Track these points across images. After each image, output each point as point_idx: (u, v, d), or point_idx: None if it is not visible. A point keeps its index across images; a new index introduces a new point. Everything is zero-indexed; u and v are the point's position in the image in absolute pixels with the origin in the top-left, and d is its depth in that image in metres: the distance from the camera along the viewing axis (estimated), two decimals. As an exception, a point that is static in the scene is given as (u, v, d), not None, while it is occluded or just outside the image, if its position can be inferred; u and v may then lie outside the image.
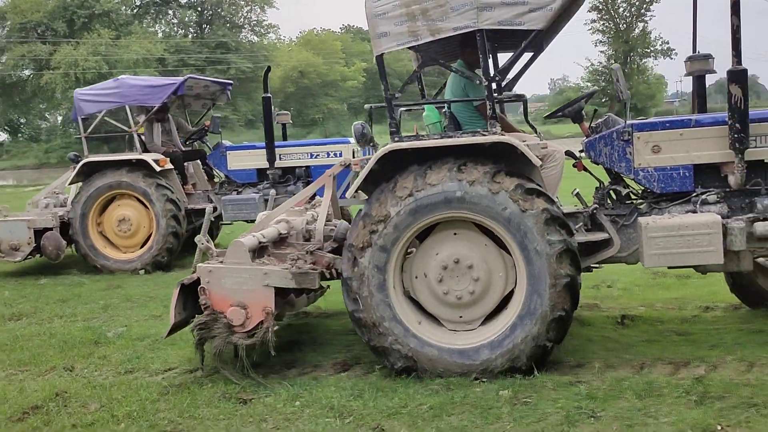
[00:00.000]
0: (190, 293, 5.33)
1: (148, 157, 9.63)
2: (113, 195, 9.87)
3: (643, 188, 5.55)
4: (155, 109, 9.96)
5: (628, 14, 56.61)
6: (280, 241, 5.83)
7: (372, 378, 5.05)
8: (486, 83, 5.10)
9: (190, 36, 63.59)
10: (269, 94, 10.00)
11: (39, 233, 9.62)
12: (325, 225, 5.89)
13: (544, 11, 4.90)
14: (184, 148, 10.91)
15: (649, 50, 55.94)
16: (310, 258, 5.47)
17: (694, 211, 5.30)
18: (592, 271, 6.21)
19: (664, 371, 4.96)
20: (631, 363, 5.16)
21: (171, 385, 5.16)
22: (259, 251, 5.47)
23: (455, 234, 5.12)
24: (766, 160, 5.30)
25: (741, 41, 5.00)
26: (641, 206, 5.53)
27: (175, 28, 64.70)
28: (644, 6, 55.79)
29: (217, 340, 5.14)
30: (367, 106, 5.54)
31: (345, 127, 63.94)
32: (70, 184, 10.14)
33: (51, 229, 9.60)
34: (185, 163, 10.57)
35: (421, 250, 5.19)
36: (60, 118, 61.91)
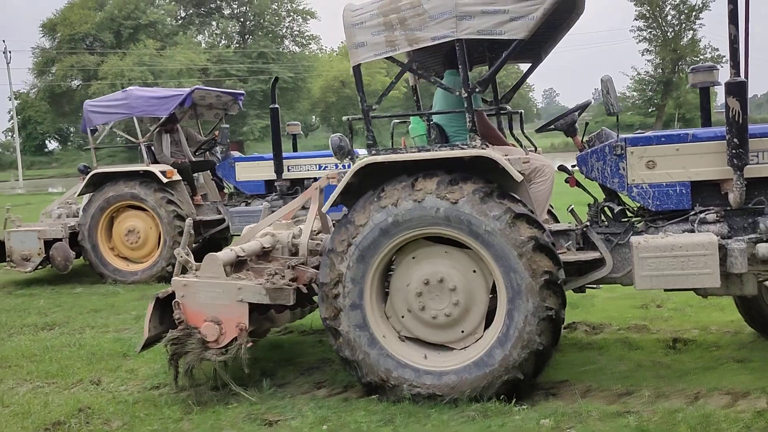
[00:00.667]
0: (167, 307, 5.29)
1: (156, 169, 9.70)
2: (121, 206, 9.97)
3: (638, 206, 5.34)
4: (163, 120, 10.04)
5: (676, 22, 55.48)
6: (264, 255, 5.76)
7: (404, 403, 4.84)
8: (465, 95, 4.96)
9: (232, 46, 64.52)
10: (276, 105, 10.00)
11: (49, 243, 9.75)
12: (311, 239, 5.81)
13: (526, 20, 4.74)
14: (194, 159, 10.95)
15: (698, 59, 54.73)
16: (290, 273, 5.39)
17: (692, 231, 5.06)
18: (584, 292, 6.01)
19: (722, 402, 4.67)
20: (684, 392, 4.88)
21: (196, 402, 5.08)
22: (237, 265, 5.41)
23: (446, 252, 5.01)
24: None
25: (739, 51, 4.77)
26: (637, 225, 5.31)
27: (218, 39, 65.73)
28: (694, 14, 54.62)
29: (189, 355, 5.09)
30: (345, 118, 5.44)
31: (386, 137, 63.96)
32: (79, 195, 10.29)
33: (60, 239, 9.73)
34: (195, 174, 10.61)
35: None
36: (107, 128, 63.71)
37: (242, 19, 65.17)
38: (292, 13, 62.79)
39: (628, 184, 5.18)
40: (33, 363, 6.30)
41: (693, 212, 5.11)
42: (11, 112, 55.13)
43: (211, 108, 11.39)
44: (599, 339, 6.26)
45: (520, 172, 4.84)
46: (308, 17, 62.62)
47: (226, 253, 5.34)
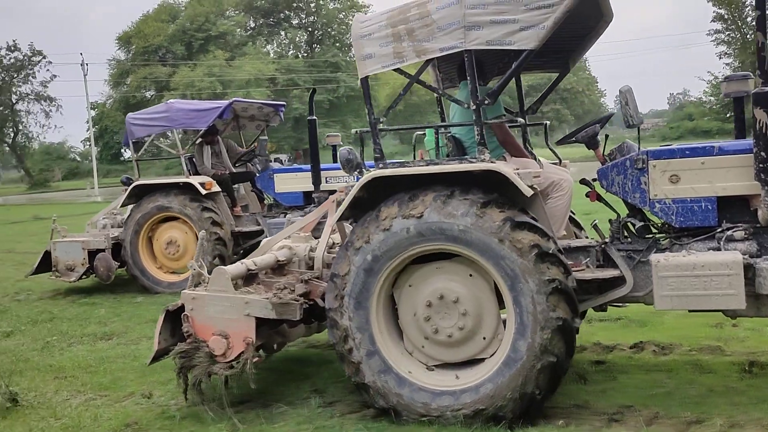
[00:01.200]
0: (178, 319, 5.35)
1: (194, 180, 9.89)
2: (162, 217, 10.20)
3: (662, 222, 5.12)
4: (202, 132, 10.23)
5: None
6: (279, 268, 5.77)
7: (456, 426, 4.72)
8: (474, 107, 4.86)
9: (300, 56, 65.51)
10: (314, 117, 10.05)
11: (93, 254, 10.04)
12: (327, 252, 5.79)
13: (536, 30, 4.61)
14: (234, 170, 11.12)
15: (780, 62, 52.48)
16: (302, 287, 5.39)
17: (718, 249, 4.83)
18: (606, 311, 5.81)
19: (802, 434, 4.38)
20: (761, 422, 4.58)
21: (243, 421, 5.06)
22: (248, 279, 5.44)
23: (437, 268, 4.93)
24: None
25: (767, 59, 4.53)
26: (662, 242, 5.10)
27: (287, 49, 66.85)
28: (775, 15, 52.42)
29: (197, 369, 5.13)
30: (353, 130, 5.41)
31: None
32: (122, 206, 10.57)
33: (103, 250, 10.01)
34: (236, 185, 10.77)
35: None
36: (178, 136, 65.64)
37: (310, 29, 66.09)
38: (359, 22, 63.31)
39: (650, 199, 5.00)
40: (88, 374, 6.42)
41: (720, 229, 4.90)
42: (88, 122, 57.25)
43: (254, 119, 11.56)
44: (668, 360, 5.98)
45: (531, 186, 4.71)
46: (375, 26, 63.00)
47: (236, 267, 5.38)
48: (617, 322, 7.15)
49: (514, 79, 6.41)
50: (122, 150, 70.47)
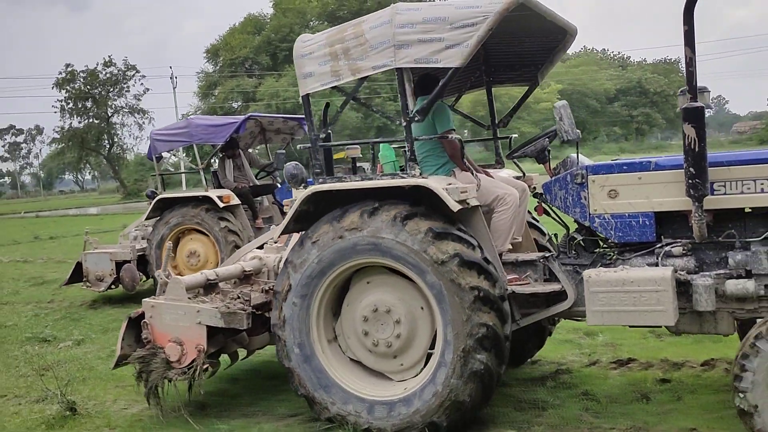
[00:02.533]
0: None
1: (213, 194, 10.44)
2: (183, 229, 10.79)
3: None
4: (220, 146, 10.78)
5: None
6: (246, 278, 6.14)
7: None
8: (404, 124, 5.09)
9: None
10: (329, 131, 10.34)
11: (120, 265, 10.73)
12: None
13: (461, 48, 4.81)
14: (258, 183, 11.61)
15: None
16: (262, 297, 5.73)
17: (656, 264, 4.88)
18: (554, 324, 5.89)
19: None
20: None
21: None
22: (208, 288, 5.82)
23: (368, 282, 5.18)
24: (746, 209, 4.78)
25: (695, 74, 4.57)
26: (607, 257, 5.18)
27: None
28: None
29: (154, 374, 5.55)
30: (300, 146, 5.73)
31: (538, 152, 63.05)
32: (146, 219, 11.23)
33: (129, 261, 10.69)
34: (259, 198, 11.25)
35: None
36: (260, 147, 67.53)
37: (391, 38, 66.84)
38: (442, 29, 63.47)
39: (590, 214, 5.13)
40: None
41: (659, 245, 4.95)
42: (178, 134, 59.60)
43: (279, 133, 12.05)
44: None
45: (459, 201, 4.88)
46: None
47: (194, 277, 5.79)
48: (689, 337, 6.78)
49: (486, 92, 6.60)
50: (211, 161, 73.43)
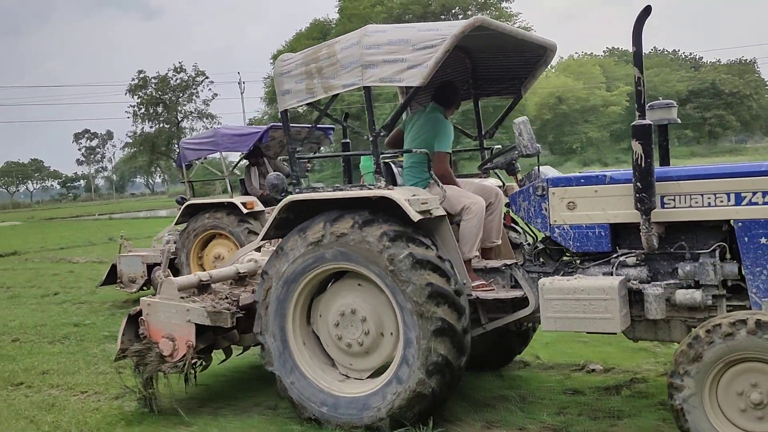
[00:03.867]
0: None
1: (237, 200, 11.07)
2: (210, 234, 11.45)
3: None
4: (245, 154, 11.41)
5: None
6: (241, 279, 6.68)
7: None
8: (371, 138, 5.53)
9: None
10: (348, 140, 10.84)
11: (151, 267, 11.45)
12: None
13: (421, 68, 5.22)
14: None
15: None
16: (252, 298, 6.24)
17: (611, 274, 5.19)
18: (521, 327, 6.20)
19: None
20: None
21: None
22: (201, 288, 6.37)
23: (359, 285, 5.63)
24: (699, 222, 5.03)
25: (644, 94, 4.85)
26: (570, 265, 5.51)
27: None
28: None
29: (149, 367, 6.13)
30: (280, 158, 6.22)
31: (606, 155, 62.21)
32: (176, 224, 11.93)
33: (159, 264, 11.38)
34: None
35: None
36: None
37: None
38: (507, 33, 63.27)
39: (550, 225, 5.45)
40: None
41: (615, 255, 5.24)
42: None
43: (306, 141, 12.59)
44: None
45: (421, 212, 5.28)
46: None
47: (187, 278, 6.37)
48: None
49: (473, 104, 6.99)
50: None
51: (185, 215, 11.60)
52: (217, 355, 6.65)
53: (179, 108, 74.16)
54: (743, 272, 4.87)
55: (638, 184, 4.88)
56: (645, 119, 4.87)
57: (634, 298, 5.11)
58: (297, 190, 5.82)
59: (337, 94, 5.71)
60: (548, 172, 5.70)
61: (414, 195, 5.43)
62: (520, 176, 5.90)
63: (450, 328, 5.13)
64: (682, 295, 4.94)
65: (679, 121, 6.02)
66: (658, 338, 5.32)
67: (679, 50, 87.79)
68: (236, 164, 11.89)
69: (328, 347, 5.77)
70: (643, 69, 4.85)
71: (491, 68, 6.83)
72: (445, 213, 5.61)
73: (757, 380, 4.36)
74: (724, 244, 4.96)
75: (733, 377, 4.43)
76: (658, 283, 5.05)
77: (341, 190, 5.62)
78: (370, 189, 5.48)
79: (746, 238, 4.79)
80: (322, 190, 5.70)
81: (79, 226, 40.40)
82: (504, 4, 61.52)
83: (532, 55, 6.46)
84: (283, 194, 6.19)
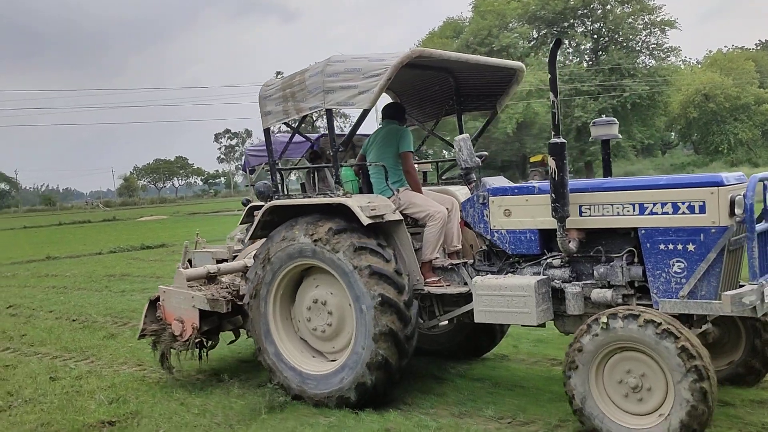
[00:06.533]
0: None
1: (290, 203, 12.25)
2: (269, 233, 12.69)
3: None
4: (298, 160, 12.62)
5: None
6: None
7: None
8: (331, 153, 6.58)
9: (584, 64, 65.50)
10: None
11: (220, 263, 12.84)
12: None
13: (369, 94, 6.22)
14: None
15: None
16: None
17: (540, 273, 5.97)
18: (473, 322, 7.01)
19: None
20: None
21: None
22: (210, 279, 7.64)
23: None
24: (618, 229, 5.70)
25: (558, 116, 5.61)
26: (513, 266, 6.30)
27: (571, 57, 67.25)
28: None
29: (163, 344, 7.46)
30: (264, 168, 7.35)
31: (759, 155, 59.06)
32: (240, 224, 13.29)
33: (225, 260, 12.79)
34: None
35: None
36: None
37: (595, 36, 65.84)
38: (649, 26, 61.57)
39: (490, 229, 6.28)
40: None
41: (544, 257, 6.01)
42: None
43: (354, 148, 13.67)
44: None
45: (372, 217, 6.25)
46: (667, 28, 60.81)
47: (196, 270, 7.64)
48: None
49: (456, 119, 7.87)
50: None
51: (249, 216, 12.93)
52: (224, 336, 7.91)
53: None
54: (647, 275, 5.53)
55: (553, 195, 5.63)
56: (559, 137, 5.60)
57: (559, 296, 5.87)
58: (277, 197, 6.96)
59: (306, 115, 6.80)
60: (493, 182, 6.48)
61: (369, 202, 6.41)
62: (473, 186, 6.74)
63: (390, 302, 6.04)
64: (597, 294, 5.66)
65: (620, 137, 6.64)
66: (565, 331, 6.05)
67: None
68: (292, 169, 13.12)
69: (299, 324, 6.87)
70: (557, 94, 5.60)
71: (473, 86, 7.70)
72: (401, 218, 6.55)
73: (631, 367, 5.13)
74: (634, 249, 5.63)
75: (613, 366, 5.19)
76: (577, 282, 5.80)
77: (309, 197, 6.71)
78: (331, 197, 6.53)
79: (648, 244, 5.47)
80: (296, 197, 6.81)
81: (218, 220, 42.63)
82: (647, -3, 60.08)
83: (505, 75, 7.28)
84: (269, 200, 7.33)
